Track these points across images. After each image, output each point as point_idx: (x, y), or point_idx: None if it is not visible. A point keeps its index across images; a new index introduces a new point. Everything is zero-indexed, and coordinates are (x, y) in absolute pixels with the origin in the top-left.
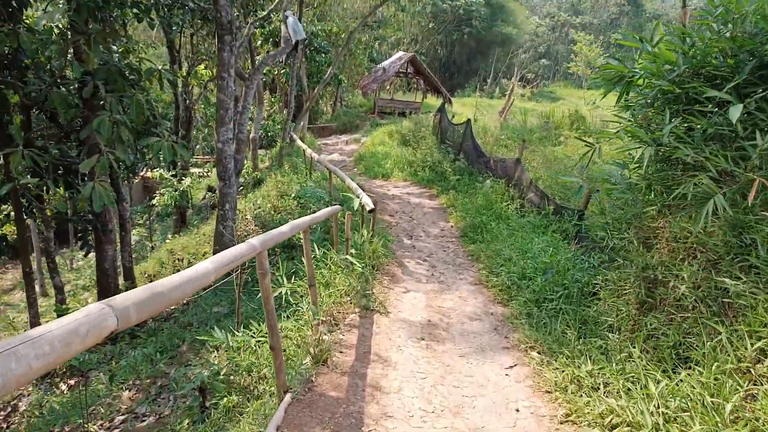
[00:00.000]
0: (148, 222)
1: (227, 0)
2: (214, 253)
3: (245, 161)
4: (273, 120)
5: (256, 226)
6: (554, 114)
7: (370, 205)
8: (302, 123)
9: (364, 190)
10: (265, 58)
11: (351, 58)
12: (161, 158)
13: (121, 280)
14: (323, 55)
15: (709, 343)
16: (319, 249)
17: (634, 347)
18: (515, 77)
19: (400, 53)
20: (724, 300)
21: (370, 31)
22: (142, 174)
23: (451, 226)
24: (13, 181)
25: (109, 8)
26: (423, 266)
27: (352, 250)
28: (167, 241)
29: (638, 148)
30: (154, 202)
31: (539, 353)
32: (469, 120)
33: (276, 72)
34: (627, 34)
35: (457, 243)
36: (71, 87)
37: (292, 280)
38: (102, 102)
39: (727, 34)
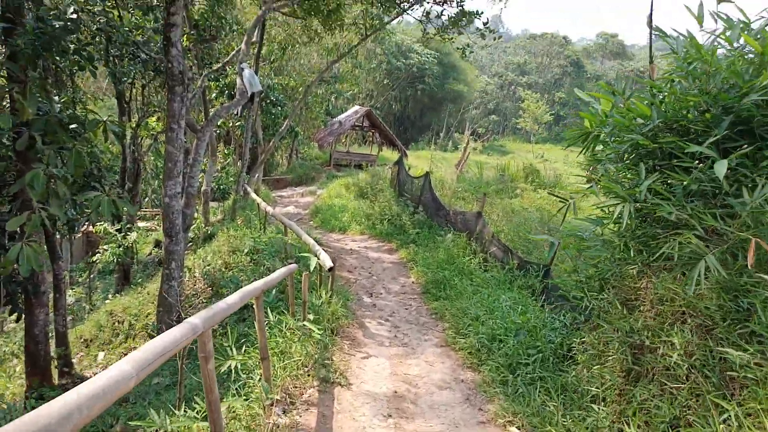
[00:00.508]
0: (88, 280)
1: (179, 51)
2: (158, 315)
3: (195, 215)
4: (226, 172)
5: (205, 284)
6: (509, 167)
7: (328, 264)
8: (257, 175)
9: (320, 245)
10: (218, 110)
11: (307, 112)
12: (101, 213)
13: (53, 347)
14: (279, 108)
15: (716, 421)
16: (273, 313)
17: (629, 426)
18: (467, 131)
19: (356, 107)
20: (726, 372)
21: (326, 86)
22: (84, 229)
23: (413, 282)
24: None
25: (51, 56)
26: (385, 327)
27: (310, 315)
28: (107, 301)
29: (614, 204)
30: (95, 258)
31: (519, 429)
32: (428, 173)
33: (231, 124)
34: (600, 86)
35: (420, 300)
36: (4, 138)
37: (243, 350)
38: (39, 155)
39: (695, 90)
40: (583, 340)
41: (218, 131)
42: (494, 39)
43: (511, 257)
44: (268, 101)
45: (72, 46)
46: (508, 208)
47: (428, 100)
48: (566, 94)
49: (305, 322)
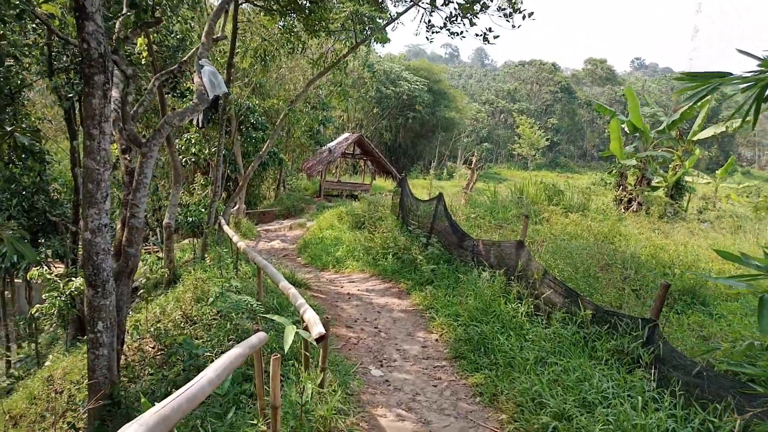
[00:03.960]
0: (34, 335)
1: (98, 26)
2: (90, 392)
3: (142, 255)
4: (198, 204)
5: (155, 347)
6: (527, 188)
7: (316, 331)
8: (237, 206)
9: (309, 289)
10: (168, 117)
11: (293, 140)
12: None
13: None
14: (261, 132)
15: None
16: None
17: None
18: (460, 157)
19: (347, 134)
20: None
21: (313, 111)
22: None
23: (436, 340)
24: None
25: None
26: (409, 423)
27: None
28: (47, 363)
29: None
30: (34, 310)
31: None
32: (441, 195)
33: (207, 152)
34: (596, 108)
35: (451, 369)
36: None
37: None
38: None
39: None
40: None
41: (194, 159)
42: (523, 18)
43: (581, 305)
44: (249, 125)
45: None
46: (541, 236)
47: (420, 127)
48: (558, 120)
49: None
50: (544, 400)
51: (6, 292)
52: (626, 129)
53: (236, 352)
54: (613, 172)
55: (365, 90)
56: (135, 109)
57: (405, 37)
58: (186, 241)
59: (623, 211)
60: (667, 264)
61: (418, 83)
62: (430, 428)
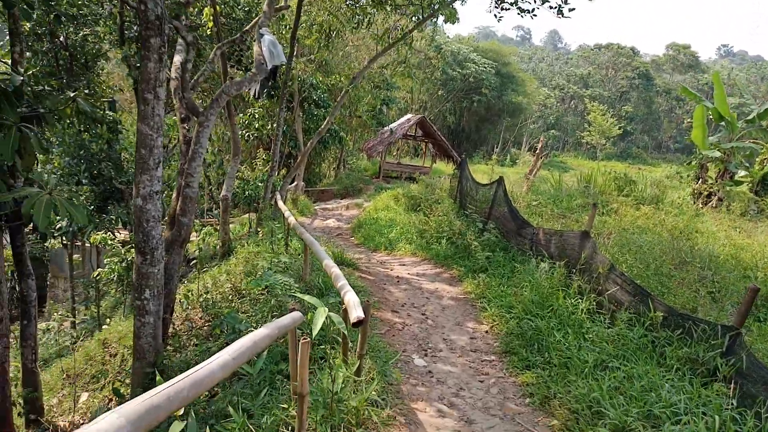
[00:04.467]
0: (96, 297)
1: None
2: (135, 358)
3: (197, 226)
4: (257, 179)
5: (203, 318)
6: (595, 177)
7: (355, 314)
8: (296, 183)
9: (357, 270)
10: (226, 87)
11: (356, 120)
12: (35, 219)
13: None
14: (323, 109)
15: None
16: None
17: None
18: (525, 144)
19: (409, 115)
20: None
21: (377, 91)
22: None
23: (486, 332)
24: None
25: None
26: (450, 421)
27: None
28: (105, 327)
29: None
30: (95, 274)
31: None
32: (501, 178)
33: (270, 127)
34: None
35: (500, 365)
36: None
37: None
38: None
39: None
40: None
41: (256, 134)
42: None
43: (651, 306)
44: (311, 102)
45: None
46: (609, 228)
47: (485, 111)
48: (633, 108)
49: None
50: (603, 408)
51: (77, 256)
52: (711, 117)
53: (262, 333)
54: (693, 163)
55: (431, 71)
56: (195, 78)
57: (475, 18)
58: (246, 215)
59: (701, 206)
60: (749, 266)
61: (485, 65)
62: (472, 428)
